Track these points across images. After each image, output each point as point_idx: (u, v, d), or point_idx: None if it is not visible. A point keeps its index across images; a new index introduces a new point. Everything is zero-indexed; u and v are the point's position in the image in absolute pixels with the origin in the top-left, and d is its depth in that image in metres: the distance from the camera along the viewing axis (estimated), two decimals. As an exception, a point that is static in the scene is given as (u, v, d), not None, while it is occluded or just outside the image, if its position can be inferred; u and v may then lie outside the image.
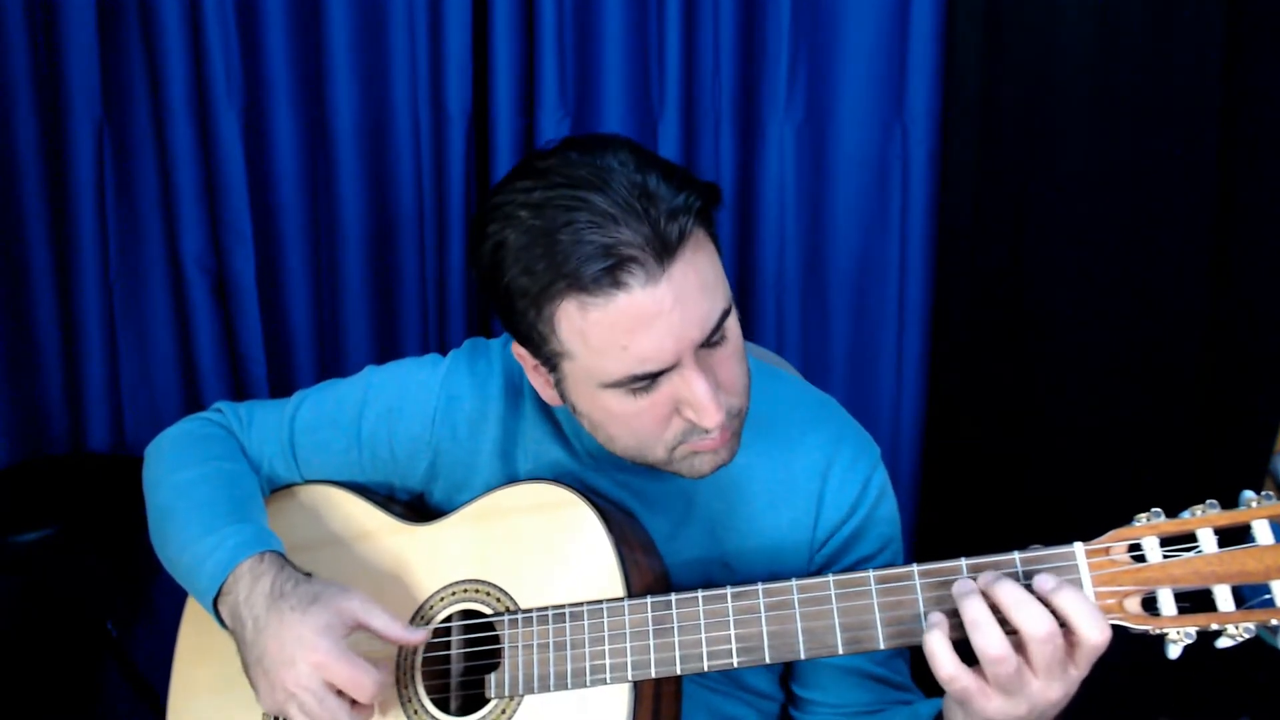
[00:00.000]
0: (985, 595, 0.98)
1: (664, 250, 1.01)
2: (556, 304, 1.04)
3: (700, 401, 1.06)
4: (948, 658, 0.97)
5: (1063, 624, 0.94)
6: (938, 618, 1.00)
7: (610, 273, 1.00)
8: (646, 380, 1.06)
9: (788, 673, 1.31)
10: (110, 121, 2.27)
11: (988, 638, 0.95)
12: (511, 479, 1.28)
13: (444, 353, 1.36)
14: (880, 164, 2.25)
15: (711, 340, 1.07)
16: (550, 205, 1.02)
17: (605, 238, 1.00)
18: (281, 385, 2.36)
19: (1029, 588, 0.97)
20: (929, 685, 1.15)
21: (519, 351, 1.16)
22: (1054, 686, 0.96)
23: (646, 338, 1.03)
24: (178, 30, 2.16)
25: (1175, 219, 2.22)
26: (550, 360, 1.11)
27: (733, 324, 1.10)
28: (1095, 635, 0.94)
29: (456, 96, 2.25)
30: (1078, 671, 0.96)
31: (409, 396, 1.31)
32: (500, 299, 1.08)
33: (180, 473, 1.31)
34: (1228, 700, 2.20)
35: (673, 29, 2.18)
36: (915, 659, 1.30)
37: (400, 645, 1.18)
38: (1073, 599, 0.95)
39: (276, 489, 1.38)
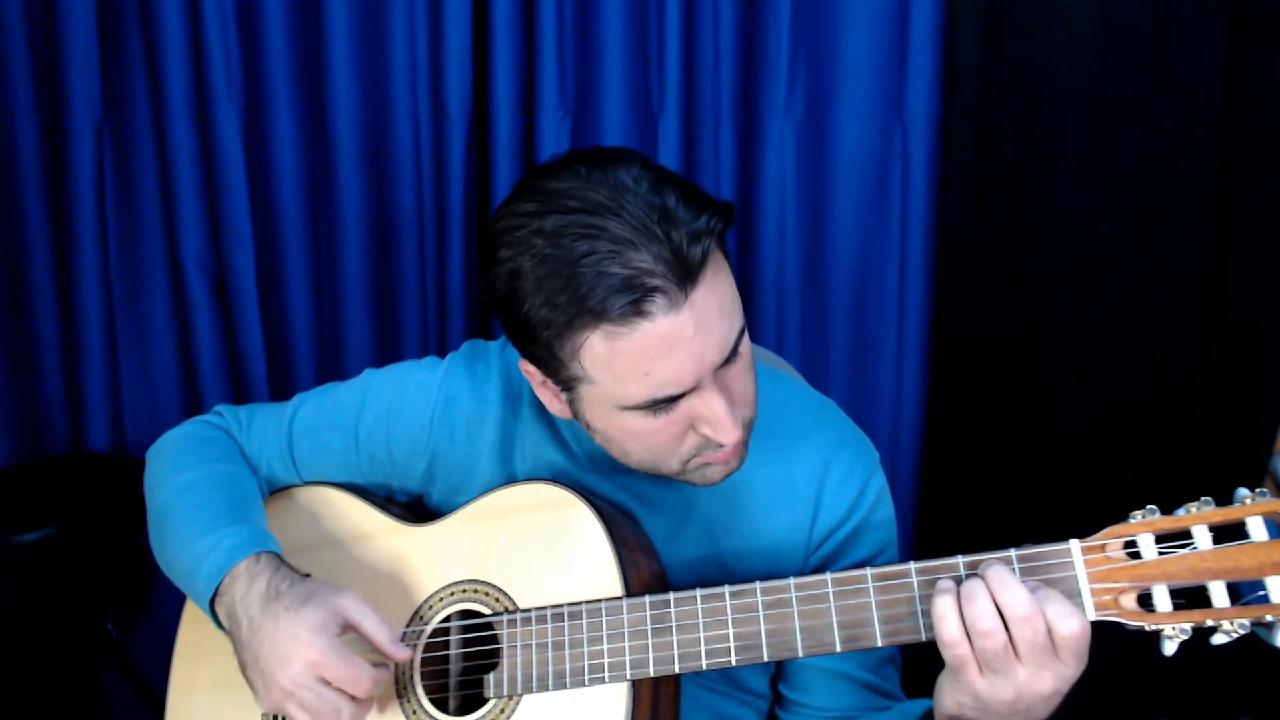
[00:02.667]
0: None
1: (686, 275, 1.01)
2: (582, 337, 1.03)
3: (720, 420, 1.07)
4: (954, 621, 0.98)
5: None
6: (948, 584, 1.00)
7: (634, 304, 1.00)
8: (666, 403, 1.06)
9: (778, 673, 1.31)
10: (110, 121, 2.27)
11: (979, 608, 0.97)
12: (510, 481, 1.27)
13: (443, 353, 1.36)
14: (880, 164, 2.25)
15: (728, 360, 1.08)
16: (565, 233, 1.01)
17: (626, 269, 0.99)
18: (281, 386, 2.37)
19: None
20: (921, 694, 1.16)
21: (527, 369, 1.15)
22: (1042, 678, 0.97)
23: (669, 363, 1.03)
24: (178, 30, 2.16)
25: (1175, 219, 2.22)
26: (566, 383, 1.11)
27: (745, 341, 1.11)
28: (1063, 625, 0.95)
29: (456, 96, 2.26)
30: (1066, 669, 0.97)
31: (407, 398, 1.31)
32: (517, 327, 1.08)
33: (179, 475, 1.31)
34: (1227, 700, 2.20)
35: (673, 29, 2.18)
36: (906, 665, 1.30)
37: (385, 656, 1.17)
38: (1047, 593, 0.97)
39: (275, 490, 1.38)
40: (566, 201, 1.02)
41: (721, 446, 1.11)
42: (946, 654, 1.00)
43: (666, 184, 1.03)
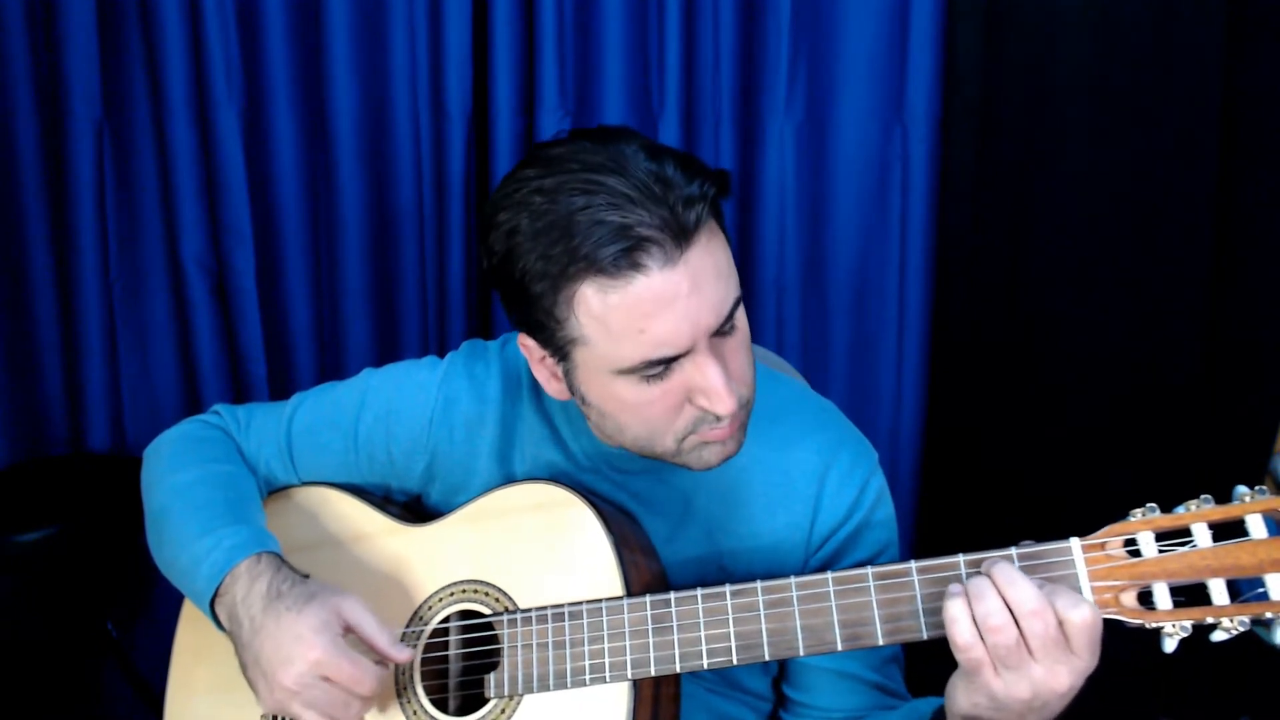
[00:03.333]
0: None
1: (681, 234, 1.01)
2: (575, 287, 1.03)
3: (714, 387, 1.07)
4: (966, 624, 0.98)
5: None
6: (959, 589, 1.00)
7: (628, 254, 1.00)
8: (661, 366, 1.06)
9: (780, 674, 1.31)
10: (110, 121, 2.27)
11: (988, 606, 0.96)
12: (509, 481, 1.27)
13: (443, 353, 1.35)
14: (880, 164, 2.25)
15: (724, 329, 1.07)
16: (565, 189, 1.02)
17: (623, 218, 1.00)
18: (281, 386, 2.36)
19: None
20: (923, 693, 1.16)
21: (526, 343, 1.15)
22: (1057, 673, 0.96)
23: (663, 321, 1.03)
24: (178, 30, 2.16)
25: (1175, 219, 2.22)
26: (562, 349, 1.10)
27: (742, 315, 1.10)
28: (1074, 614, 0.95)
29: (456, 96, 2.26)
30: (1080, 661, 0.96)
31: (406, 398, 1.31)
32: (514, 287, 1.08)
33: (177, 474, 1.31)
34: (1227, 700, 2.20)
35: (673, 29, 2.18)
36: (910, 665, 1.30)
37: (388, 659, 1.17)
38: (1054, 587, 0.97)
39: (274, 490, 1.38)
40: (568, 164, 1.04)
41: (719, 420, 1.10)
42: (960, 657, 0.99)
43: (664, 153, 1.04)
